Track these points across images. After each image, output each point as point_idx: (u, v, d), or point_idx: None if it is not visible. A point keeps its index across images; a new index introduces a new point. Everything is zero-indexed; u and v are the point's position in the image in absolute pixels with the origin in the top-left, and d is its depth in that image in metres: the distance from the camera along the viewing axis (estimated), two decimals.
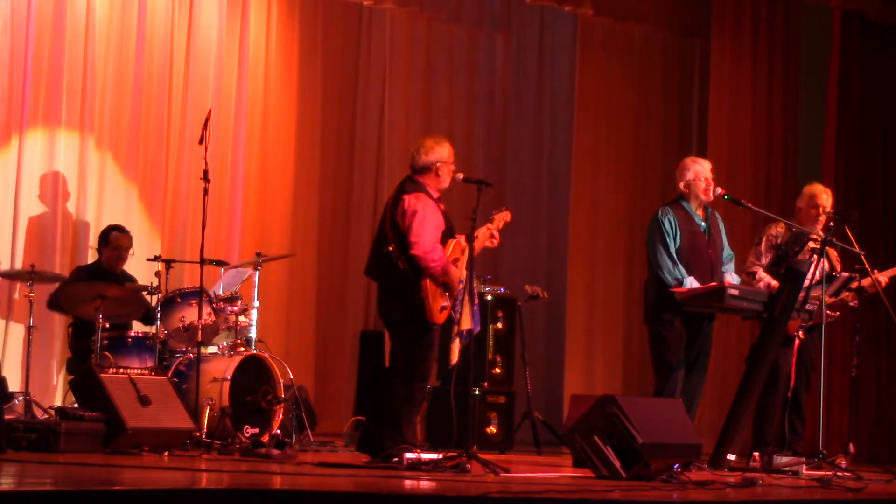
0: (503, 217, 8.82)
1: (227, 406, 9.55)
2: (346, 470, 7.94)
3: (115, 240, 10.29)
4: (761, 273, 9.75)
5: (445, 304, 8.41)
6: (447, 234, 8.51)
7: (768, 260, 9.81)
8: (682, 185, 9.49)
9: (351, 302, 12.71)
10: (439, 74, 12.78)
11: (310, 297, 12.36)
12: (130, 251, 10.36)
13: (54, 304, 10.01)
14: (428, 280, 8.33)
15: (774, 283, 9.56)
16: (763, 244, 9.89)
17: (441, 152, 8.55)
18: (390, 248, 8.40)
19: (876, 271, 9.69)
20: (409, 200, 8.41)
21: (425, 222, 8.35)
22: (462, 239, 8.51)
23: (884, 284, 9.73)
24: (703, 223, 9.47)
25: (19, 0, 10.71)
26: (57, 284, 9.87)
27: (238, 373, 9.68)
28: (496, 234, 8.69)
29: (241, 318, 10.09)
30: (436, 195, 8.54)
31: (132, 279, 10.45)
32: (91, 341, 9.49)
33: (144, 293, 9.94)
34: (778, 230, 9.87)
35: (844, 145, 12.98)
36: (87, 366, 9.18)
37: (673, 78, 13.41)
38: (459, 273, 8.42)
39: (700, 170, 9.50)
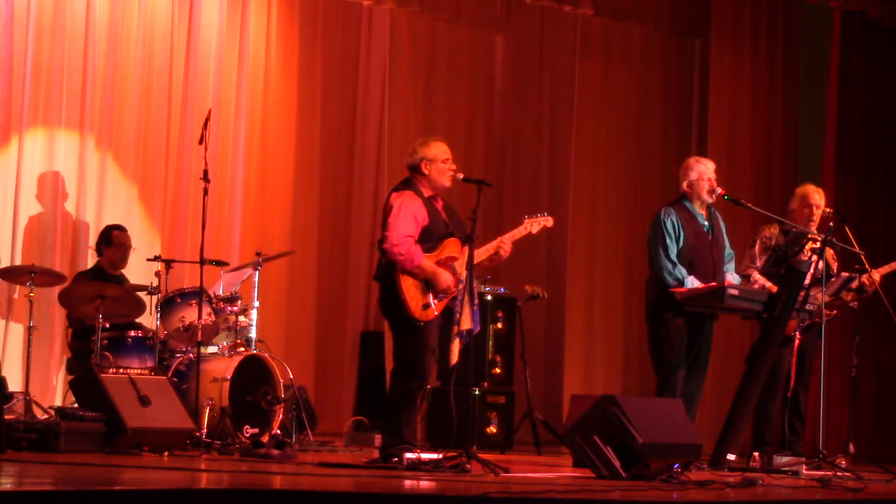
0: (544, 221, 8.82)
1: (227, 406, 9.54)
2: (346, 470, 7.94)
3: (118, 238, 10.33)
4: (756, 276, 9.73)
5: (429, 302, 8.36)
6: (441, 234, 8.48)
7: (763, 262, 9.80)
8: (684, 184, 9.45)
9: (351, 302, 12.70)
10: (439, 74, 12.77)
11: (310, 297, 12.36)
12: (132, 249, 10.39)
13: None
14: (402, 275, 8.29)
15: (769, 284, 9.55)
16: (757, 246, 9.87)
17: (425, 151, 8.53)
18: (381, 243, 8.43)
19: (872, 270, 9.70)
20: (394, 196, 8.46)
21: (400, 216, 8.33)
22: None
23: (878, 281, 9.73)
24: (706, 223, 9.44)
25: (19, 0, 10.71)
26: (56, 283, 9.88)
27: (238, 373, 9.67)
28: (506, 245, 8.63)
29: (241, 318, 10.08)
30: (427, 193, 8.51)
31: (126, 279, 10.46)
32: (91, 341, 9.50)
33: (144, 293, 9.95)
34: (771, 231, 9.85)
35: (844, 145, 12.98)
36: (87, 366, 9.17)
37: (673, 78, 13.41)
38: (460, 273, 8.38)
39: (704, 170, 9.45)
